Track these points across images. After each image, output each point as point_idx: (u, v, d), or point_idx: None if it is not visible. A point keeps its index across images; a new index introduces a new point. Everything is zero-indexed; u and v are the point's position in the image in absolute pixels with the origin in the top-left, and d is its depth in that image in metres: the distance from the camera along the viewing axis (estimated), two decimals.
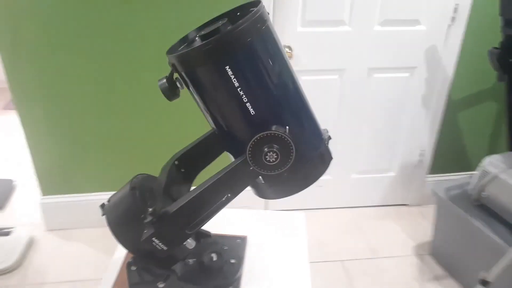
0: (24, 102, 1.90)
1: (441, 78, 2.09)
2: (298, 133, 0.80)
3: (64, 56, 1.82)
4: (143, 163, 2.09)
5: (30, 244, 2.08)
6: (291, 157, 0.76)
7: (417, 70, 2.08)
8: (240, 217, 1.16)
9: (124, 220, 0.83)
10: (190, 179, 0.93)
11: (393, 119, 2.20)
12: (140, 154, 2.07)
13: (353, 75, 2.05)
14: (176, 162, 0.91)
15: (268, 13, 0.79)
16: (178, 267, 0.88)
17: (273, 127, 0.75)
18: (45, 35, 1.77)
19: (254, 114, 0.74)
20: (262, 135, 0.73)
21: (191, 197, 0.77)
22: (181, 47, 0.83)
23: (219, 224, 1.04)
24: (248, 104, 0.73)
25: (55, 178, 2.09)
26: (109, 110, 1.95)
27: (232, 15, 0.81)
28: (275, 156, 0.74)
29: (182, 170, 0.93)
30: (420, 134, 2.26)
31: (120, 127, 2.00)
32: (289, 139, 0.74)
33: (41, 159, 2.03)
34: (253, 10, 0.74)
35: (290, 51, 1.90)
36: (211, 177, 0.79)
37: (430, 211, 2.35)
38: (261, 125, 0.75)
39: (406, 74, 2.09)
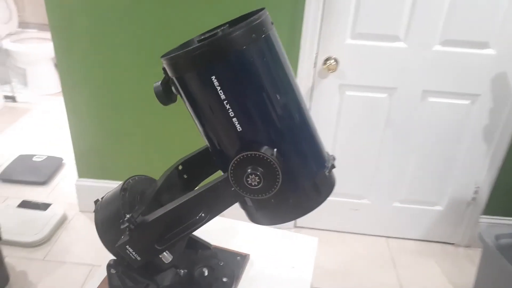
0: (70, 86, 1.97)
1: (509, 110, 1.84)
2: (292, 157, 0.72)
3: (113, 46, 1.85)
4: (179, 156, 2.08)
5: (61, 222, 2.17)
6: (276, 184, 0.68)
7: (481, 98, 1.84)
8: (249, 231, 1.08)
9: (107, 221, 0.81)
10: (190, 187, 0.88)
11: (446, 149, 1.98)
12: (179, 150, 2.06)
13: (404, 96, 1.86)
14: (180, 167, 0.87)
15: (272, 23, 0.70)
16: (167, 276, 0.84)
17: (263, 148, 0.67)
18: (97, 24, 1.81)
19: (241, 131, 0.68)
20: (245, 154, 0.66)
21: (167, 210, 0.73)
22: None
23: (225, 235, 0.98)
24: (234, 120, 0.67)
25: (92, 162, 2.16)
26: (152, 103, 1.96)
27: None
28: (258, 180, 0.67)
29: (185, 176, 0.89)
30: (476, 169, 2.01)
31: (161, 121, 2.00)
32: (275, 163, 0.66)
33: (80, 143, 2.10)
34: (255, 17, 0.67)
35: (335, 63, 1.77)
36: (192, 191, 0.73)
37: (479, 255, 2.09)
38: (249, 144, 0.68)
39: (467, 102, 1.86)
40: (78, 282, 1.86)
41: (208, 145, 0.78)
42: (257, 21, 0.65)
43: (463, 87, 1.82)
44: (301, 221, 2.16)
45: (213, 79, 0.65)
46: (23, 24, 3.89)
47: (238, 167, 0.68)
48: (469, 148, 1.96)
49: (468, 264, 2.11)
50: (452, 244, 2.23)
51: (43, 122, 3.23)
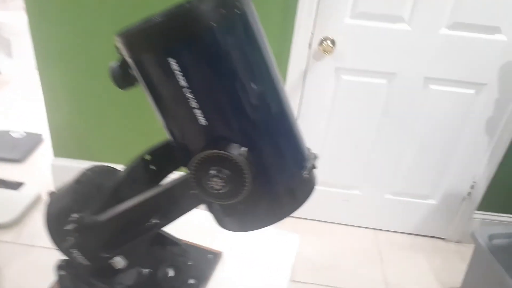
0: (45, 61, 1.83)
1: None
2: (266, 158, 0.61)
3: (91, 20, 1.70)
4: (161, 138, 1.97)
5: (35, 203, 2.05)
6: (243, 189, 0.57)
7: (487, 88, 1.72)
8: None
9: (55, 219, 0.71)
10: (158, 181, 0.78)
11: (446, 141, 1.87)
12: (161, 131, 1.95)
13: (405, 83, 1.74)
14: (147, 157, 0.76)
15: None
16: (130, 275, 0.75)
17: (230, 146, 0.56)
18: None
19: (206, 125, 0.57)
20: (208, 153, 0.55)
21: (116, 212, 0.64)
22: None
23: (198, 228, 0.87)
24: (197, 112, 0.56)
25: (69, 141, 2.04)
26: None
27: None
28: (222, 184, 0.57)
29: (153, 168, 0.77)
30: (475, 163, 1.91)
31: (140, 99, 1.86)
32: (244, 165, 0.55)
33: (56, 120, 1.97)
34: None
35: (331, 45, 1.63)
36: (145, 192, 0.63)
37: (471, 252, 2.01)
38: (215, 140, 0.57)
39: (472, 91, 1.74)
40: (49, 267, 1.76)
41: (170, 138, 0.67)
42: None
43: (468, 75, 1.70)
44: None
45: (171, 62, 0.54)
46: None
47: (200, 168, 0.57)
48: (469, 141, 1.85)
49: (457, 261, 2.03)
50: (443, 239, 2.15)
51: (25, 96, 3.07)
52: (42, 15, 1.72)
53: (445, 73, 1.70)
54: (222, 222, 0.69)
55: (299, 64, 1.70)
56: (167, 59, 0.54)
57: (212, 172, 0.56)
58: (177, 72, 0.54)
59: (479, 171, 1.92)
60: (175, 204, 0.64)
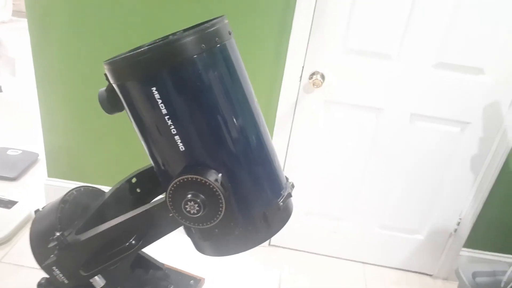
0: (44, 80, 1.88)
1: (500, 141, 1.75)
2: (243, 184, 0.64)
3: (91, 45, 1.77)
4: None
5: (25, 222, 2.07)
6: (219, 214, 0.60)
7: (471, 126, 1.77)
8: None
9: (39, 236, 0.74)
10: (141, 204, 0.81)
11: (432, 177, 1.90)
12: None
13: (392, 118, 1.78)
14: (133, 180, 0.79)
15: (230, 33, 0.62)
16: None
17: (207, 172, 0.59)
18: (76, 15, 1.72)
19: (183, 151, 0.60)
20: (185, 178, 0.58)
21: (97, 232, 0.66)
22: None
23: (182, 253, 0.89)
24: (177, 138, 0.60)
25: (62, 162, 2.07)
26: None
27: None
28: (197, 208, 0.59)
29: (138, 191, 0.81)
30: (461, 200, 1.92)
31: None
32: (219, 191, 0.58)
33: (52, 140, 2.01)
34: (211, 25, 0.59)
35: (321, 79, 1.69)
36: (126, 214, 0.66)
37: None
38: (193, 166, 0.60)
39: (457, 129, 1.78)
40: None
41: (152, 163, 0.71)
42: (209, 30, 0.58)
43: (453, 114, 1.75)
44: (276, 239, 2.06)
45: (153, 91, 0.58)
46: (18, 13, 3.81)
47: (177, 191, 0.60)
48: (455, 178, 1.88)
49: None
50: (430, 275, 2.14)
51: (26, 115, 3.12)
52: (44, 37, 1.78)
53: (431, 111, 1.75)
54: (199, 246, 0.71)
55: (289, 96, 1.76)
56: (149, 87, 0.58)
57: (189, 196, 0.59)
58: (157, 99, 0.59)
59: (465, 207, 1.93)
60: (153, 226, 0.66)
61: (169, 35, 0.70)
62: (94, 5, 1.69)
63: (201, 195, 0.58)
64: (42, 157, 2.54)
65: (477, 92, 1.69)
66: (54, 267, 0.67)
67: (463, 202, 1.92)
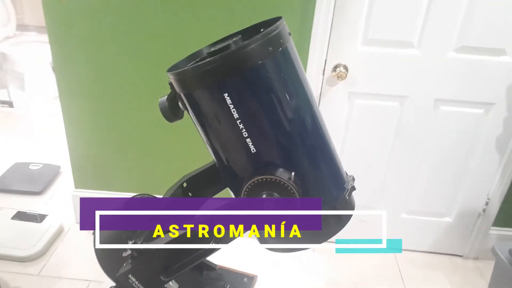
0: (67, 93, 1.89)
1: None
2: (311, 181, 0.66)
3: (113, 51, 1.77)
4: (180, 173, 2.00)
5: (58, 234, 2.08)
6: None
7: (495, 107, 1.78)
8: (257, 249, 1.02)
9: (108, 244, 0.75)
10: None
11: (458, 160, 1.92)
12: (180, 163, 1.99)
13: (416, 105, 1.80)
14: (184, 184, 0.81)
15: (290, 34, 0.64)
16: None
17: (278, 171, 0.61)
18: (97, 28, 1.73)
19: (255, 152, 0.62)
20: (260, 178, 0.60)
21: (173, 236, 0.66)
22: (189, 64, 0.71)
23: (231, 253, 0.91)
24: (248, 141, 0.61)
25: (89, 173, 2.08)
26: (153, 112, 1.88)
27: (255, 31, 0.68)
28: None
29: (190, 195, 0.82)
30: (488, 180, 1.95)
31: (162, 131, 1.90)
32: (293, 188, 0.60)
33: (77, 152, 2.02)
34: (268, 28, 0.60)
35: (345, 71, 1.70)
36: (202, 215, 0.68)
37: (489, 268, 2.02)
38: (263, 166, 0.62)
39: (481, 111, 1.80)
40: None
41: (218, 165, 0.72)
42: (274, 33, 0.59)
43: (477, 96, 1.76)
44: None
45: (225, 97, 0.59)
46: (22, 27, 3.81)
47: (252, 192, 0.61)
48: (481, 159, 1.90)
49: (477, 277, 2.04)
50: (461, 256, 2.16)
51: (40, 128, 3.13)
52: (66, 49, 1.78)
53: (454, 94, 1.77)
54: (266, 239, 0.73)
55: (313, 90, 1.76)
56: (222, 93, 0.60)
57: (264, 195, 0.60)
58: (229, 104, 0.60)
59: (493, 187, 1.95)
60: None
61: (225, 38, 0.70)
62: (115, 15, 1.69)
63: (276, 194, 0.60)
64: (64, 169, 2.57)
65: (500, 73, 1.71)
66: (130, 275, 0.68)
67: (490, 182, 1.95)
